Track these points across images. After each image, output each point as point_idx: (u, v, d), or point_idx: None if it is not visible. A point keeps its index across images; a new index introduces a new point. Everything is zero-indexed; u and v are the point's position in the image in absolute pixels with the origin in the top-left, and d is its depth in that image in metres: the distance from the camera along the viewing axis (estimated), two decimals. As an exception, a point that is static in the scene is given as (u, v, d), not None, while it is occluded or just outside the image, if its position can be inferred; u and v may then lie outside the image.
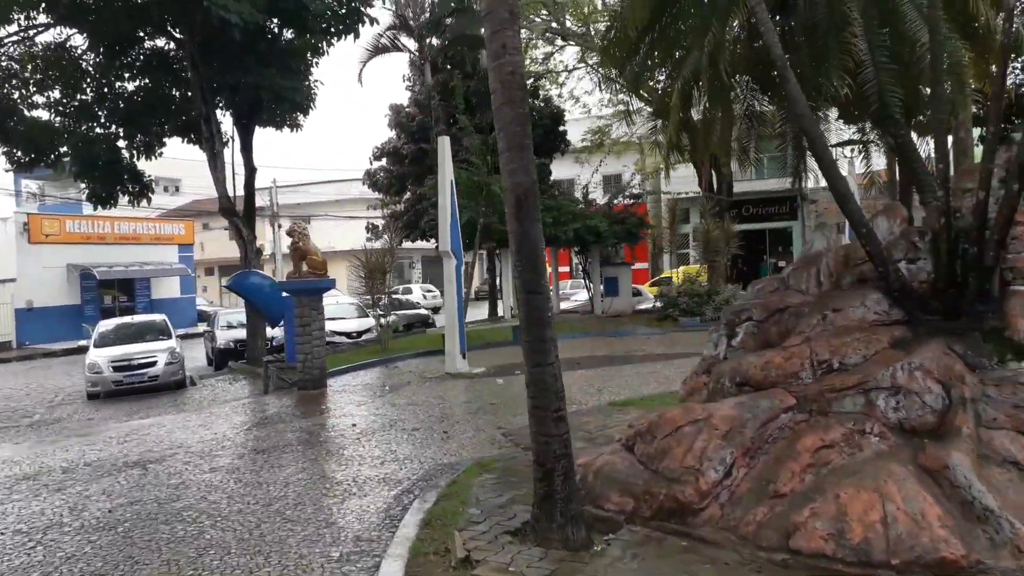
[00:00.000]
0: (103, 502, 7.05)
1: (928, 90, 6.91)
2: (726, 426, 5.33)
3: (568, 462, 5.05)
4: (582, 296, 30.12)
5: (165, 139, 21.05)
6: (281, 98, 18.33)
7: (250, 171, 19.71)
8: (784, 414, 5.34)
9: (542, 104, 27.65)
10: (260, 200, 29.74)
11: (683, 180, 29.62)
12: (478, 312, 28.68)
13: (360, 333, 21.11)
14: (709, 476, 5.11)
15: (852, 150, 21.99)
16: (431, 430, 9.35)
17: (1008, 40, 5.19)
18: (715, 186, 26.13)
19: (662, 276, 36.12)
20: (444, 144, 14.21)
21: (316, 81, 19.69)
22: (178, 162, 34.66)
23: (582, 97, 34.43)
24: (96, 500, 7.14)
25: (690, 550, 4.73)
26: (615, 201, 24.16)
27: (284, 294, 14.07)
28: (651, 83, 26.67)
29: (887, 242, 6.14)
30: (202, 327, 32.62)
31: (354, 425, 9.92)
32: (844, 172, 21.46)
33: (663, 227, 24.11)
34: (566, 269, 45.50)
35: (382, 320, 17.86)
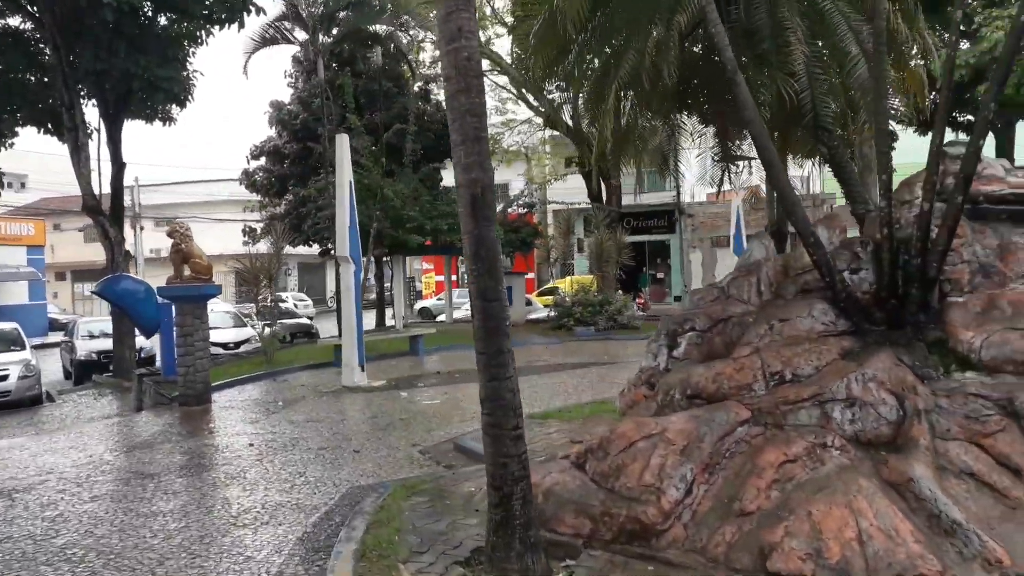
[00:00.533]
0: (-38, 543, 6.02)
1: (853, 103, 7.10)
2: (683, 441, 5.13)
3: (527, 484, 4.68)
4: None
5: (17, 128, 19.05)
6: (156, 88, 16.93)
7: (118, 166, 18.11)
8: (740, 427, 5.20)
9: (433, 109, 27.16)
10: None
11: (571, 191, 29.98)
12: (366, 322, 27.58)
13: (238, 344, 19.82)
14: (670, 495, 4.88)
15: (739, 165, 22.92)
16: (339, 449, 8.71)
17: (952, 53, 5.32)
18: (604, 198, 26.55)
19: (549, 286, 36.44)
20: (343, 142, 13.51)
21: (195, 71, 18.36)
22: (24, 155, 31.64)
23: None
24: (-48, 541, 6.09)
25: (658, 575, 4.46)
26: (508, 210, 24.01)
27: (162, 300, 12.89)
28: (547, 93, 26.93)
29: (828, 252, 6.16)
30: (54, 337, 29.88)
31: (251, 445, 9.11)
32: (727, 186, 22.10)
33: (556, 237, 24.16)
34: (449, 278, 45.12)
35: (267, 330, 16.80)
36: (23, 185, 47.50)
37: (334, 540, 5.75)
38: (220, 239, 44.31)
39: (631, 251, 22.98)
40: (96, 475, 7.99)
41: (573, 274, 36.90)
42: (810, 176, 37.92)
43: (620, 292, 22.98)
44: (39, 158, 36.70)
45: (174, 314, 12.12)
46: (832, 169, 7.16)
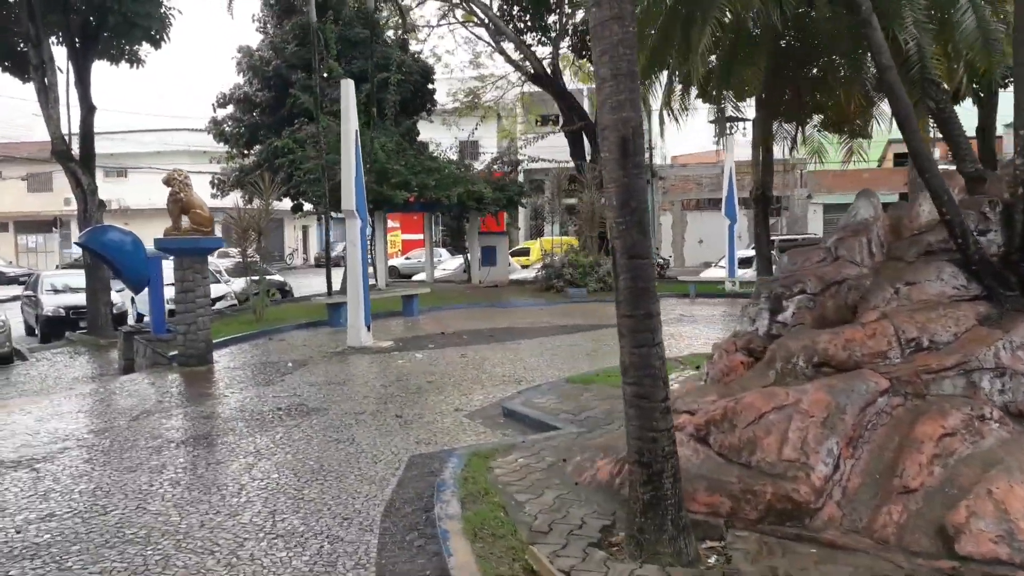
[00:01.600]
0: (1, 520, 5.34)
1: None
2: (821, 412, 4.77)
3: (676, 461, 4.26)
4: (451, 265, 29.18)
5: (-28, 66, 17.56)
6: (132, 24, 15.74)
7: (87, 109, 16.90)
8: (880, 398, 4.86)
9: (411, 60, 26.11)
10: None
11: (544, 150, 29.29)
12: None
13: (214, 301, 18.90)
14: (820, 470, 4.53)
15: (732, 127, 22.63)
16: (378, 414, 8.17)
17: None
18: (587, 157, 26.05)
19: (520, 246, 35.95)
20: (348, 88, 12.68)
21: (172, 9, 17.10)
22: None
23: (444, 56, 33.24)
24: (-15, 519, 5.42)
25: (828, 559, 4.11)
26: (494, 168, 23.36)
27: (157, 253, 12.02)
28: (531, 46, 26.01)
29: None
30: (3, 291, 28.23)
31: (279, 409, 8.51)
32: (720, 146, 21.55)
33: (545, 196, 23.62)
34: (420, 236, 44.28)
35: (255, 287, 15.98)
36: (-41, 130, 44.68)
37: (422, 516, 5.30)
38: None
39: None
40: (121, 442, 7.31)
41: (560, 235, 36.46)
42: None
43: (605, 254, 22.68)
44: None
45: (173, 268, 11.28)
46: (939, 126, 6.82)
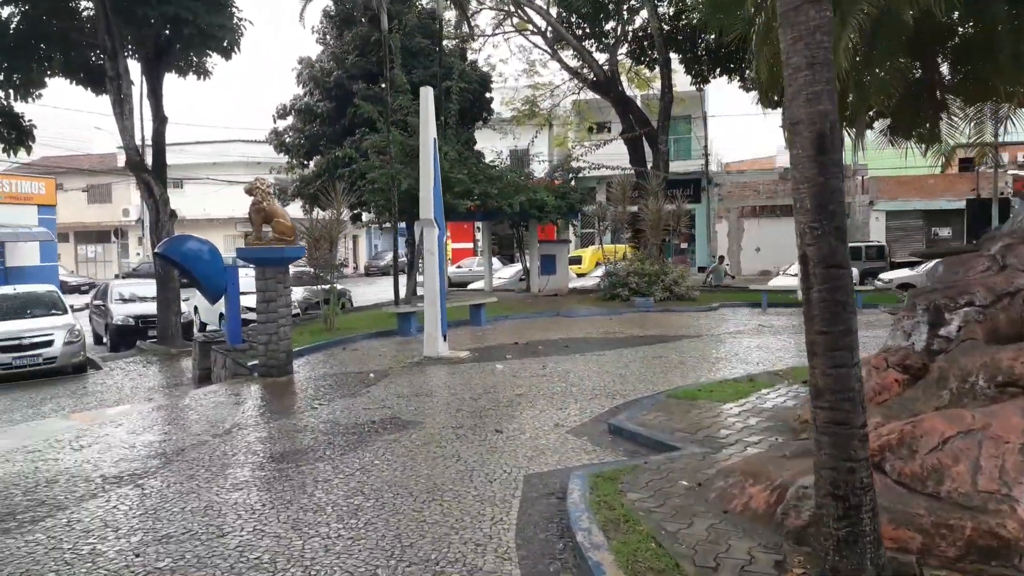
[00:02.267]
0: (117, 542, 5.10)
1: None
2: (1018, 438, 4.28)
3: (874, 494, 3.82)
4: (506, 273, 28.89)
5: (46, 78, 17.78)
6: (207, 35, 15.77)
7: (160, 120, 16.98)
8: (1082, 423, 4.35)
9: (470, 68, 25.95)
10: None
11: (606, 156, 28.83)
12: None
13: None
14: (1023, 503, 4.04)
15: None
16: (477, 428, 7.83)
17: None
18: (648, 163, 25.58)
19: (572, 255, 35.50)
20: (427, 96, 12.45)
21: (243, 20, 17.13)
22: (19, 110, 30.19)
23: (498, 66, 33.00)
24: (106, 538, 5.17)
25: (1055, 606, 3.63)
26: (555, 175, 23.02)
27: (239, 263, 11.89)
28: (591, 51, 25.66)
29: None
30: (67, 300, 28.69)
31: (374, 422, 8.23)
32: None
33: (607, 204, 23.18)
34: (468, 245, 44.13)
35: (327, 296, 15.84)
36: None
37: (558, 543, 4.92)
38: (224, 203, 43.10)
39: (688, 220, 22.08)
40: (220, 457, 7.08)
41: (596, 243, 35.91)
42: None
43: (671, 262, 22.19)
44: (39, 111, 35.24)
45: (254, 278, 11.12)
46: None
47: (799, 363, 11.03)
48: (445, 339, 12.63)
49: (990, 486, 4.15)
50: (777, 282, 24.32)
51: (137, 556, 4.86)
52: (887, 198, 37.07)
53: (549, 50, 28.66)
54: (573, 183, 23.44)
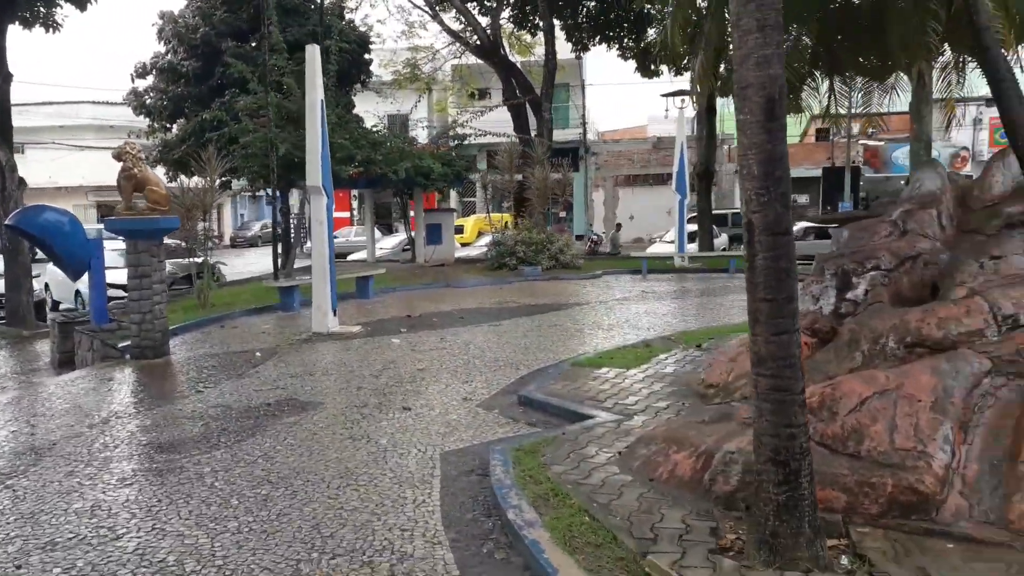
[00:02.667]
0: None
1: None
2: (928, 396, 4.49)
3: (811, 459, 3.88)
4: (387, 243, 28.24)
5: None
6: (56, -18, 14.23)
7: (3, 77, 15.24)
8: (985, 379, 4.61)
9: (348, 27, 24.87)
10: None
11: (489, 123, 28.56)
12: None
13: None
14: (940, 459, 4.24)
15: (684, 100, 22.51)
16: (383, 407, 7.53)
17: None
18: (531, 131, 25.53)
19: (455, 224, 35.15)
20: (314, 54, 11.75)
21: (96, -32, 15.59)
22: None
23: (375, 27, 31.92)
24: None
25: (974, 556, 3.81)
26: (440, 142, 22.57)
27: (104, 234, 10.87)
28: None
29: (1018, 183, 5.65)
30: None
31: (268, 404, 7.76)
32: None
33: (490, 172, 22.95)
34: (344, 215, 42.80)
35: (200, 269, 14.85)
36: None
37: (488, 522, 4.79)
38: (71, 170, 39.77)
39: (571, 188, 22.26)
40: (100, 449, 6.45)
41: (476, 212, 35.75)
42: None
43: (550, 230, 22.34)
44: None
45: (125, 251, 10.20)
46: (997, 98, 6.58)
47: (686, 327, 11.39)
48: (335, 313, 12.14)
49: (907, 444, 4.33)
50: (655, 249, 25.06)
51: (19, 568, 4.31)
52: None
53: (430, 11, 27.94)
54: (455, 151, 23.07)
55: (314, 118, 11.69)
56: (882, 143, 39.40)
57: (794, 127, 42.34)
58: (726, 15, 9.14)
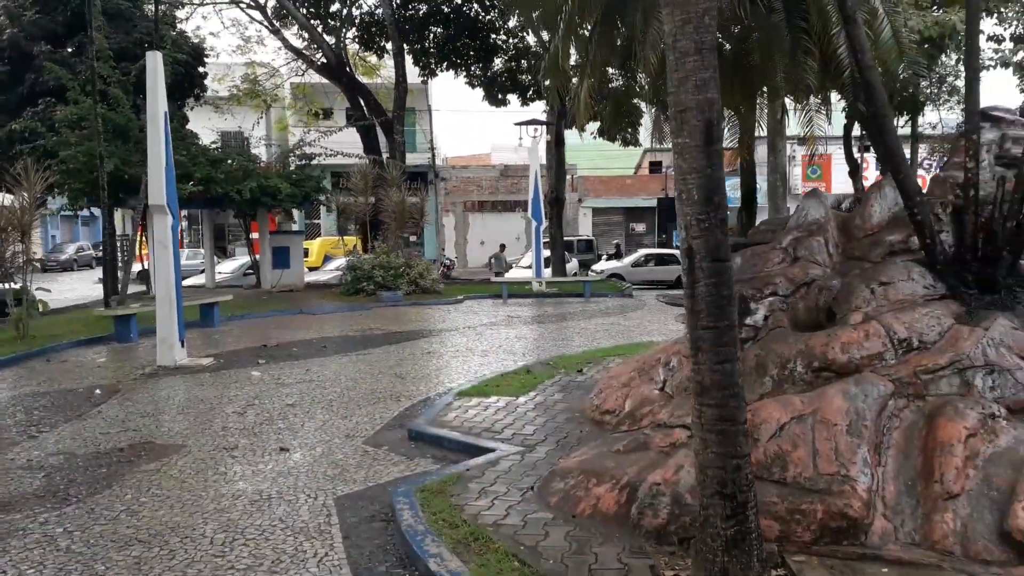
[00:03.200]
0: None
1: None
2: (843, 420, 4.59)
3: (755, 489, 3.80)
4: (226, 268, 26.53)
5: None
6: None
7: None
8: (890, 401, 4.79)
9: (180, 38, 23.29)
10: None
11: (335, 144, 27.65)
12: (93, 290, 23.04)
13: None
14: (862, 482, 4.33)
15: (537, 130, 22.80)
16: (257, 448, 6.83)
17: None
18: (382, 154, 25.02)
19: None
20: (156, 61, 10.75)
21: None
22: None
23: (207, 39, 30.17)
24: None
25: (909, 579, 3.88)
26: (286, 160, 21.51)
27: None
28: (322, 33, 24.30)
29: (893, 214, 5.99)
30: None
31: (120, 449, 6.83)
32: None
33: (338, 193, 22.10)
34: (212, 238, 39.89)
35: (23, 297, 13.13)
36: None
37: (403, 574, 4.37)
38: None
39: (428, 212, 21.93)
40: (-88, 516, 5.34)
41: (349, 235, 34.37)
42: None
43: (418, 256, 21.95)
44: None
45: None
46: (871, 134, 6.99)
47: (561, 352, 11.40)
48: (183, 344, 11.09)
49: (829, 468, 4.38)
50: (512, 274, 25.22)
51: None
52: (593, 196, 40.39)
53: (270, 27, 26.78)
54: (304, 171, 22.12)
55: (157, 131, 10.69)
56: (710, 175, 42.09)
57: (629, 159, 44.57)
58: (617, 41, 9.35)
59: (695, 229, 3.67)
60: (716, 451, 3.72)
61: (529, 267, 22.84)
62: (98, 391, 9.25)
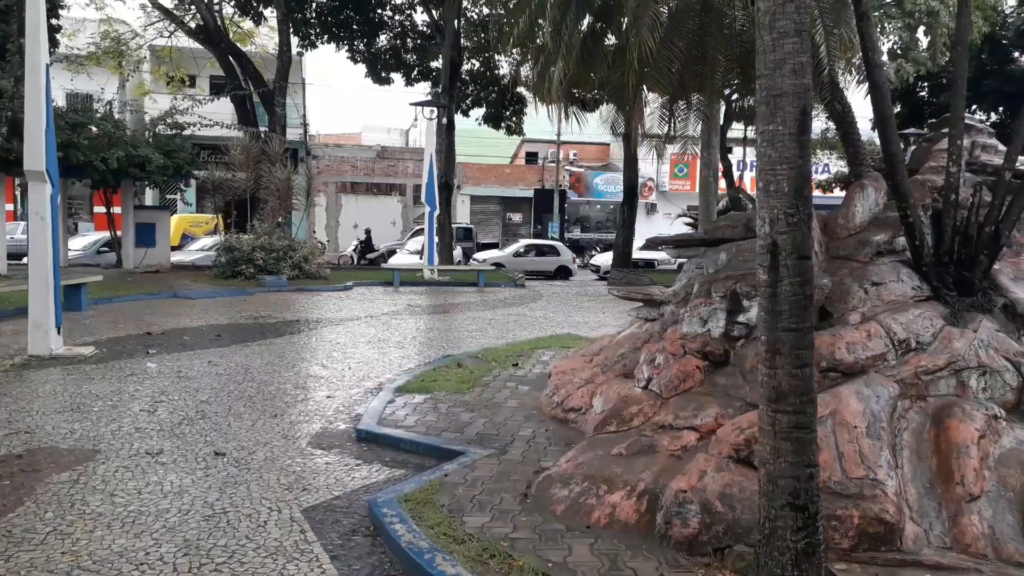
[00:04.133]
0: None
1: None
2: (862, 422, 4.54)
3: (821, 499, 3.62)
4: (77, 244, 24.05)
5: None
6: None
7: None
8: (897, 403, 4.79)
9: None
10: None
11: (207, 114, 25.70)
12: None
13: None
14: (891, 485, 4.27)
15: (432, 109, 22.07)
16: (187, 453, 6.01)
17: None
18: (259, 126, 23.51)
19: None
20: (36, 4, 9.30)
21: None
22: None
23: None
24: None
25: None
26: (158, 129, 19.67)
27: None
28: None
29: (873, 214, 6.05)
30: None
31: (19, 457, 5.80)
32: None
33: (218, 168, 20.44)
34: (8, 207, 35.91)
35: None
36: None
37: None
38: None
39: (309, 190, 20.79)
40: None
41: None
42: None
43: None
44: None
45: None
46: (841, 130, 7.06)
47: (483, 344, 11.03)
48: (59, 332, 9.77)
49: (857, 472, 4.29)
50: (399, 260, 24.48)
51: None
52: (472, 184, 40.06)
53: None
54: (175, 141, 20.35)
55: (37, 84, 9.31)
56: (583, 169, 42.95)
57: (508, 147, 44.59)
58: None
59: (782, 223, 3.42)
60: (790, 460, 3.50)
61: (416, 253, 22.21)
62: (-39, 385, 7.93)
